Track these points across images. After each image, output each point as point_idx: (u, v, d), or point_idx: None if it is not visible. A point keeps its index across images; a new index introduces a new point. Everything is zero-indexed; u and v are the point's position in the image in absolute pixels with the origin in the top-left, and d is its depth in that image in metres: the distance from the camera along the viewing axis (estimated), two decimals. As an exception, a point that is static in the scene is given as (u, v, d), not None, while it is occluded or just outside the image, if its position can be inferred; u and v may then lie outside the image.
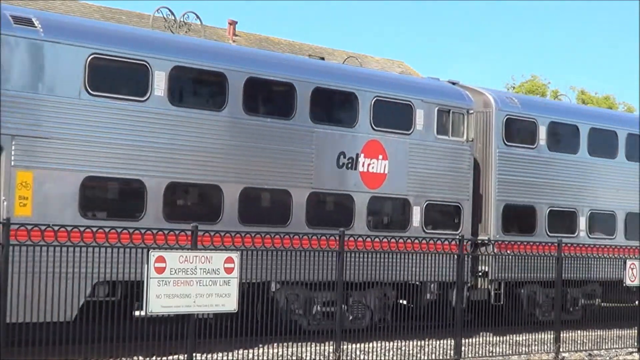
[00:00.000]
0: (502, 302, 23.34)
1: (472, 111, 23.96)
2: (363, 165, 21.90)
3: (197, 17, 30.38)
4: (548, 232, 25.48)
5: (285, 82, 20.74)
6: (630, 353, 21.77)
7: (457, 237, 19.74)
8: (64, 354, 14.88)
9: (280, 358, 17.16)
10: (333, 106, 22.03)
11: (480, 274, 23.67)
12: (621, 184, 27.82)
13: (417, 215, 22.80)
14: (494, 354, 19.83)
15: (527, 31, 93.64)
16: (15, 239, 14.07)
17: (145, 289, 14.59)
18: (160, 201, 18.58)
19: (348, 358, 17.83)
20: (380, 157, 22.25)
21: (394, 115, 22.74)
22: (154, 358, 16.33)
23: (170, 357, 16.51)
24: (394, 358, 18.32)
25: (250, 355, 16.53)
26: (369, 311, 21.36)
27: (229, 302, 15.39)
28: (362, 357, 18.34)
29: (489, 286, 23.69)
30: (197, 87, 20.05)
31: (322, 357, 17.47)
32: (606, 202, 27.54)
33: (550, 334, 20.89)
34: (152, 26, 24.23)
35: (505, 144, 24.90)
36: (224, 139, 19.62)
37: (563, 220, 26.22)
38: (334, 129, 21.46)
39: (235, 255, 15.51)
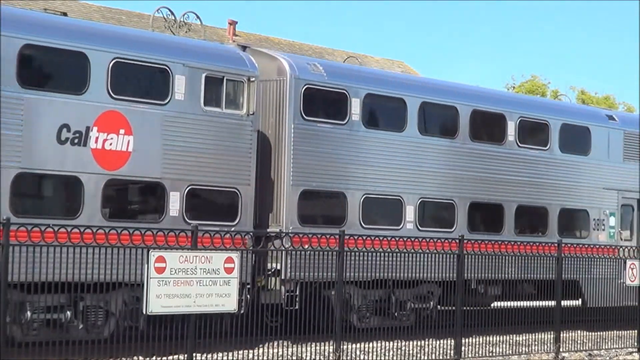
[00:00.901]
0: (296, 306, 19.27)
1: (254, 79, 20.09)
2: (96, 142, 18.09)
3: (197, 17, 30.37)
4: (362, 224, 21.73)
5: None
6: (630, 353, 21.77)
7: (459, 236, 19.61)
8: (64, 354, 14.89)
9: (280, 358, 17.17)
10: (53, 68, 18.42)
11: (270, 272, 19.79)
12: (461, 170, 23.96)
13: (176, 203, 19.09)
14: (494, 354, 19.83)
15: (527, 31, 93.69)
16: (16, 239, 14.06)
17: (145, 289, 14.61)
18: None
19: (348, 358, 17.83)
20: (122, 131, 18.49)
21: (142, 81, 19.19)
22: (154, 358, 16.33)
23: (170, 357, 16.52)
24: (394, 358, 18.32)
25: (250, 355, 16.53)
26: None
27: (229, 302, 15.40)
28: (362, 357, 18.34)
29: (283, 287, 19.90)
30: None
31: (322, 357, 17.47)
32: (443, 189, 23.68)
33: (550, 334, 20.88)
34: (152, 26, 24.22)
35: (304, 119, 20.96)
36: None
37: (385, 209, 22.56)
38: (52, 96, 17.69)
39: (235, 255, 15.52)
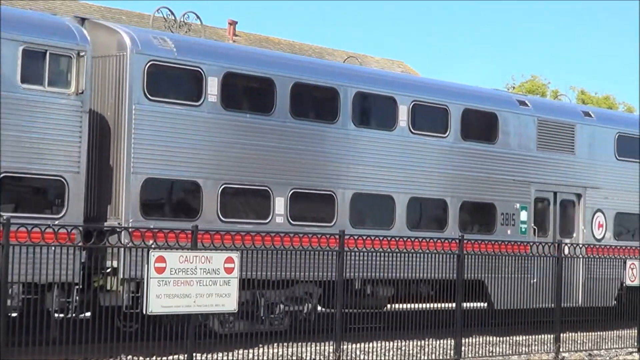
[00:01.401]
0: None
1: (84, 53, 17.73)
2: None
3: (197, 17, 30.38)
4: (221, 217, 19.46)
5: None
6: (630, 353, 21.77)
7: (459, 236, 19.59)
8: (64, 354, 14.89)
9: (280, 358, 17.17)
10: None
11: (108, 271, 17.38)
12: (345, 158, 21.57)
13: None
14: (494, 354, 19.83)
15: (527, 31, 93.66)
16: (16, 239, 14.06)
17: (145, 289, 14.61)
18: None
19: (348, 358, 17.83)
20: None
21: None
22: (154, 358, 16.33)
23: (170, 357, 16.52)
24: (394, 358, 18.32)
25: (250, 355, 16.53)
26: None
27: (229, 302, 15.41)
28: (362, 357, 18.34)
29: (121, 287, 17.80)
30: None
31: (322, 357, 17.47)
32: (321, 179, 21.15)
33: (550, 334, 20.87)
34: (152, 26, 24.22)
35: (149, 99, 18.69)
36: None
37: (248, 200, 20.19)
38: None
39: (235, 255, 15.53)
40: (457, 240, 19.24)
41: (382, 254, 17.94)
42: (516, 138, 24.83)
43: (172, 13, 30.04)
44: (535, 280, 21.26)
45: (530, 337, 21.20)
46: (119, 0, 46.78)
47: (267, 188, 20.14)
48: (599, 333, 21.95)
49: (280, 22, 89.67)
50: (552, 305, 20.87)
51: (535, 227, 24.93)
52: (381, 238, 18.00)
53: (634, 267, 21.86)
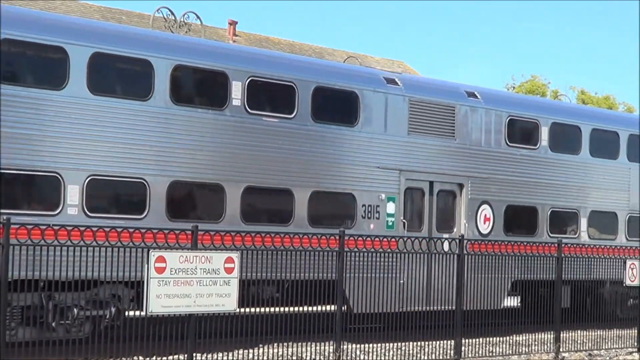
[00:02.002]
0: None
1: None
2: None
3: (197, 17, 30.45)
4: None
5: None
6: (630, 353, 21.77)
7: (459, 237, 19.61)
8: (64, 354, 14.89)
9: (280, 358, 17.17)
10: None
11: None
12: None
13: None
14: (494, 354, 19.84)
15: (527, 31, 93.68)
16: (16, 239, 14.07)
17: (145, 289, 14.62)
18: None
19: (348, 358, 17.84)
20: None
21: None
22: (154, 358, 16.34)
23: (170, 357, 16.52)
24: (394, 358, 18.33)
25: (250, 355, 16.54)
26: None
27: (229, 302, 15.41)
28: (362, 357, 18.35)
29: None
30: None
31: (322, 357, 17.48)
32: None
33: (551, 334, 20.89)
34: (152, 26, 24.23)
35: None
36: None
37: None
38: None
39: (235, 255, 15.53)
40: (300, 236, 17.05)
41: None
42: (382, 120, 21.95)
43: (172, 13, 30.12)
44: (403, 281, 19.17)
45: (530, 337, 21.21)
46: (119, 0, 46.80)
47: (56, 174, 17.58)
48: (599, 333, 21.96)
49: (280, 22, 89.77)
50: (425, 307, 19.08)
51: (405, 220, 22.16)
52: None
53: (634, 267, 21.87)
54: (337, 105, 21.56)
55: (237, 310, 15.59)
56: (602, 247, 22.61)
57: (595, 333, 21.93)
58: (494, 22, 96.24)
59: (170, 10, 30.18)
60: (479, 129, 23.75)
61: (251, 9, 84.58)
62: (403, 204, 22.15)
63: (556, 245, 20.90)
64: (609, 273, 22.13)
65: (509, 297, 23.78)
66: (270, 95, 20.38)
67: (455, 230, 23.08)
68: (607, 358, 21.18)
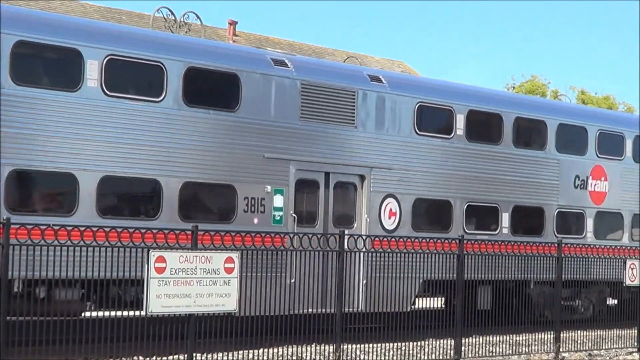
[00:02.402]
0: None
1: None
2: None
3: (197, 17, 30.47)
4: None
5: None
6: (630, 353, 21.77)
7: (459, 236, 19.58)
8: (64, 354, 14.89)
9: (280, 358, 17.17)
10: None
11: None
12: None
13: None
14: (494, 354, 19.83)
15: (527, 31, 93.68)
16: (16, 239, 14.06)
17: (145, 289, 14.62)
18: None
19: (348, 358, 17.83)
20: None
21: None
22: (154, 358, 16.33)
23: (170, 357, 16.52)
24: (394, 358, 18.32)
25: (250, 355, 16.53)
26: None
27: (229, 302, 15.41)
28: (362, 357, 18.35)
29: None
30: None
31: (322, 357, 17.47)
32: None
33: (550, 334, 20.88)
34: (152, 26, 24.22)
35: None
36: None
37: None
38: None
39: (235, 255, 15.53)
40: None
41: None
42: (268, 105, 20.09)
43: (172, 13, 30.13)
44: (293, 280, 17.36)
45: (530, 337, 21.20)
46: (119, 0, 46.80)
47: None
48: (599, 333, 21.96)
49: (280, 22, 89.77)
50: (317, 310, 17.82)
51: (295, 214, 20.30)
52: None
53: (634, 267, 21.86)
54: (214, 88, 19.76)
55: (237, 310, 15.59)
56: (527, 244, 21.16)
57: (595, 333, 21.93)
58: (494, 22, 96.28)
59: (170, 10, 30.22)
60: (384, 116, 21.92)
61: (251, 9, 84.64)
62: (294, 197, 20.36)
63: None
64: (536, 272, 20.84)
65: (422, 298, 22.78)
66: (134, 77, 18.88)
67: (355, 225, 21.36)
68: (607, 358, 21.18)
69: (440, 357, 18.79)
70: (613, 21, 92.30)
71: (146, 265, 14.64)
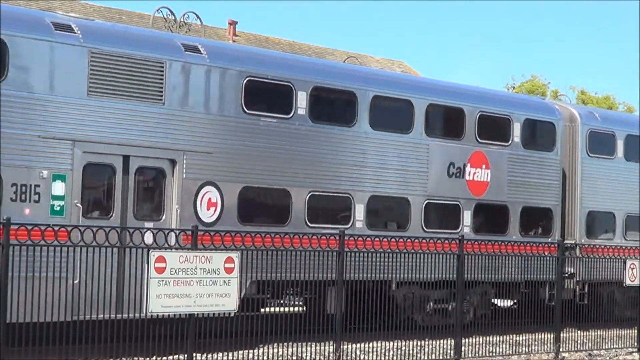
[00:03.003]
0: None
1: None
2: None
3: (197, 17, 30.44)
4: None
5: None
6: (630, 353, 21.77)
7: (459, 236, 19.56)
8: (64, 354, 14.89)
9: (280, 358, 17.17)
10: None
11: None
12: None
13: None
14: (494, 354, 19.83)
15: (527, 31, 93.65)
16: (16, 239, 14.06)
17: (145, 289, 14.61)
18: None
19: (348, 358, 17.83)
20: None
21: None
22: (154, 358, 16.33)
23: (170, 357, 16.52)
24: (394, 358, 18.32)
25: (250, 355, 16.53)
26: None
27: (229, 302, 15.41)
28: (362, 357, 18.34)
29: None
30: None
31: (322, 357, 17.47)
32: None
33: (551, 334, 20.88)
34: (152, 26, 24.22)
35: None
36: None
37: None
38: None
39: (235, 255, 15.53)
40: None
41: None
42: (45, 77, 17.37)
43: (172, 13, 30.11)
44: (77, 281, 15.34)
45: (530, 337, 21.20)
46: (119, 0, 46.78)
47: None
48: (599, 333, 21.96)
49: (280, 22, 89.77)
50: (114, 315, 15.92)
51: (81, 205, 17.56)
52: None
53: (634, 267, 21.86)
54: None
55: (237, 310, 15.59)
56: (387, 239, 17.87)
57: (595, 333, 21.93)
58: (494, 22, 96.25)
59: (170, 10, 30.18)
60: (202, 92, 19.19)
61: (251, 9, 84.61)
62: (81, 184, 17.59)
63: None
64: (399, 272, 18.18)
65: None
66: None
67: (163, 217, 18.61)
68: (607, 358, 21.18)
69: (440, 357, 18.79)
70: (613, 21, 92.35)
71: (146, 265, 14.64)
